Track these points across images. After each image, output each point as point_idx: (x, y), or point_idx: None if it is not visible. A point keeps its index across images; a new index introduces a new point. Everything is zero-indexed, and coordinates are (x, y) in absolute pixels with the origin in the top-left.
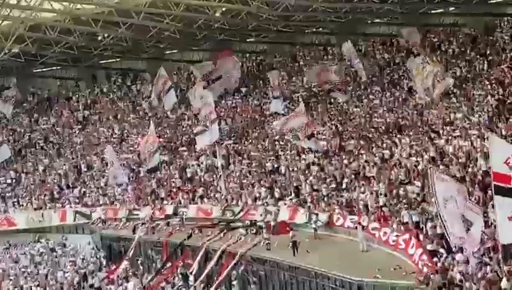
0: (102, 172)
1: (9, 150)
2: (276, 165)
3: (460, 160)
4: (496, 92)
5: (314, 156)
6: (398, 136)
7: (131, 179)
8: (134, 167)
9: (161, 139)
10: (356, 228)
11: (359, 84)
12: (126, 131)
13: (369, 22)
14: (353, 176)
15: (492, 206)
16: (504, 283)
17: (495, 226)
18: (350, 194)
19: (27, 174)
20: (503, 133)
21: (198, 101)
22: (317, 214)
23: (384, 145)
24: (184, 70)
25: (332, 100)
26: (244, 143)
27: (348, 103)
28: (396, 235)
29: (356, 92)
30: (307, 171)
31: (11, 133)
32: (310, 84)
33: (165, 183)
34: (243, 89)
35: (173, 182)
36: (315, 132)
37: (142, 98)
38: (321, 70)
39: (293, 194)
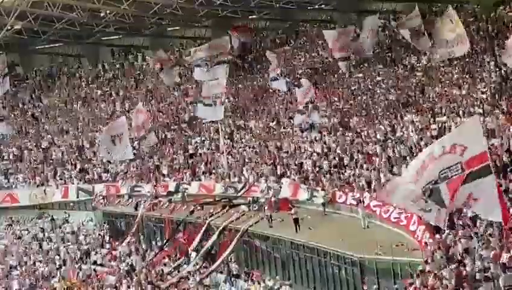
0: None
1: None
2: (278, 143)
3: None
4: (499, 68)
5: (318, 132)
6: (401, 113)
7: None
8: (135, 145)
9: (163, 116)
10: (357, 205)
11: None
12: (129, 107)
13: None
14: (355, 153)
15: None
16: (504, 258)
17: None
18: (352, 171)
19: (30, 150)
20: (505, 109)
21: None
22: (324, 190)
23: (387, 122)
24: (187, 47)
25: (334, 77)
26: (247, 120)
27: (352, 78)
28: (398, 213)
29: (360, 68)
30: (309, 148)
31: (13, 109)
32: (313, 61)
33: (167, 159)
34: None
35: (175, 158)
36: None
37: (144, 75)
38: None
39: (295, 171)
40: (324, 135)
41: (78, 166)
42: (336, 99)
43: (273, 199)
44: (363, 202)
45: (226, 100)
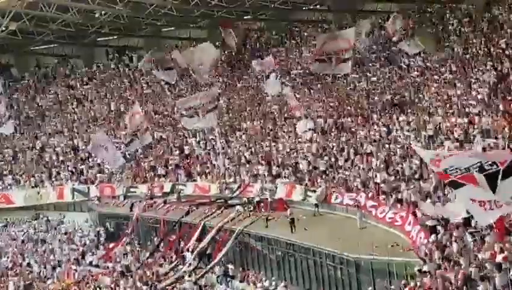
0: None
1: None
2: (273, 143)
3: (458, 137)
4: (494, 68)
5: (314, 132)
6: (396, 113)
7: (128, 157)
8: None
9: (158, 116)
10: (355, 206)
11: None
12: (123, 108)
13: None
14: (351, 153)
15: None
16: (499, 258)
17: None
18: (348, 171)
19: (25, 151)
20: (501, 109)
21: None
22: (315, 191)
23: (382, 122)
24: (182, 48)
25: (328, 78)
26: (242, 121)
27: (347, 79)
28: (394, 213)
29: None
30: (304, 149)
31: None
32: (307, 61)
33: (162, 160)
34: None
35: (171, 159)
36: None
37: (139, 75)
38: (328, 39)
39: (290, 172)
40: (320, 136)
41: (73, 167)
42: (331, 99)
43: (268, 200)
44: (359, 202)
45: (222, 101)
